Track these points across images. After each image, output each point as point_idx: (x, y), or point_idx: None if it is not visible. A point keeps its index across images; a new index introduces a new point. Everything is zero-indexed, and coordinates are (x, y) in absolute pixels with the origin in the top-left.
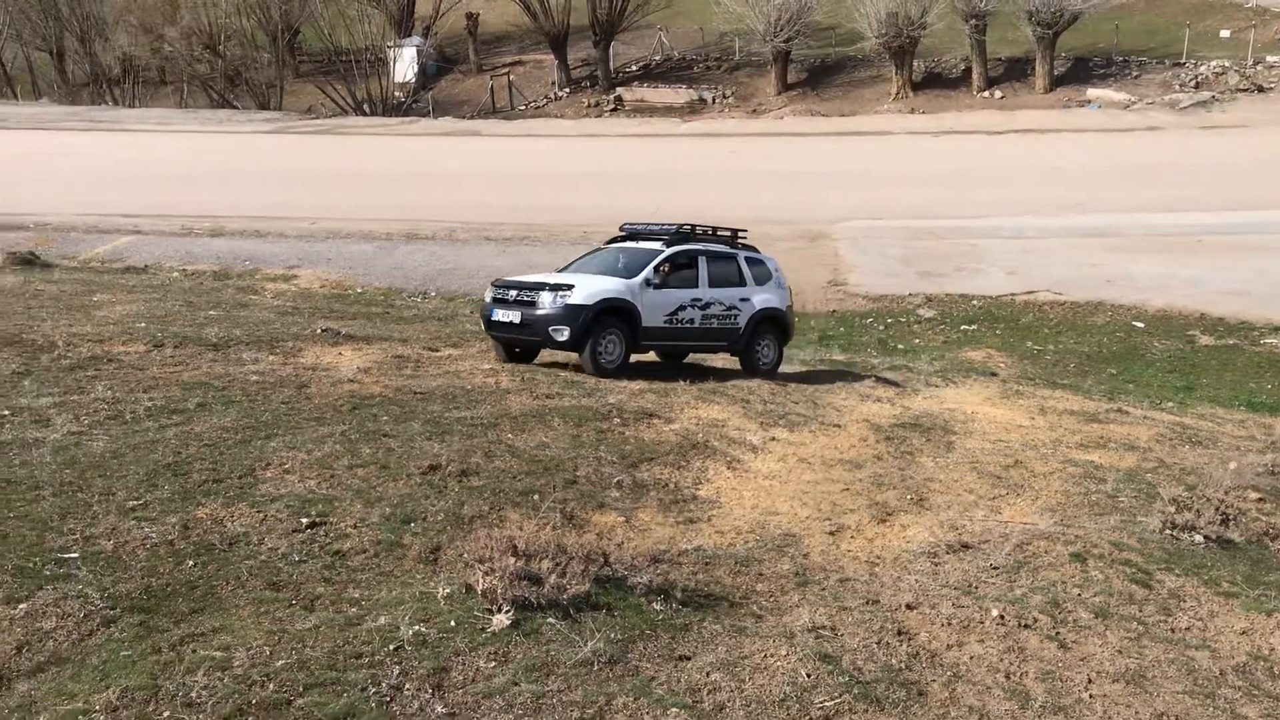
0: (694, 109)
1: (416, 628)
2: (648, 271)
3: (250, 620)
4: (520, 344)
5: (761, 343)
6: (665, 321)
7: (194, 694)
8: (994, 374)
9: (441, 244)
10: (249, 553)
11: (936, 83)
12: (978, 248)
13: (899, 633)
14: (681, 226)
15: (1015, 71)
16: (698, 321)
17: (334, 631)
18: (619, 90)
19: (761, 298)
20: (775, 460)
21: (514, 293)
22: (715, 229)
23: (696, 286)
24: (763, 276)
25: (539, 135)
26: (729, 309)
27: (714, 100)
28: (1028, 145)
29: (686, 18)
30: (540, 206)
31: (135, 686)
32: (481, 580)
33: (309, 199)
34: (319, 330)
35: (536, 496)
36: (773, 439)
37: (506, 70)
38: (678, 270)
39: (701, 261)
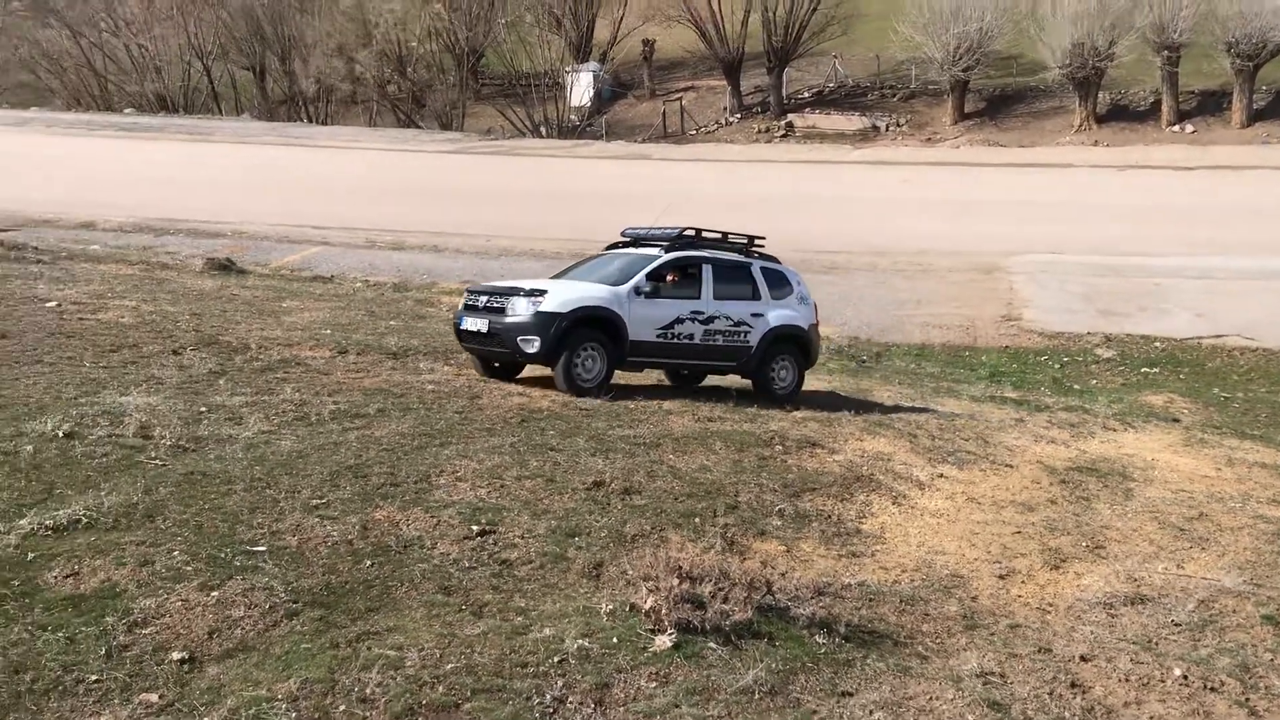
0: (866, 136)
1: (580, 642)
2: (638, 279)
3: (422, 622)
4: (491, 356)
5: (778, 364)
6: (658, 336)
7: (368, 690)
8: (1176, 420)
9: None
10: (422, 556)
11: (1122, 115)
12: (1162, 287)
13: (1072, 685)
14: (684, 230)
15: (1209, 105)
16: (698, 337)
17: (501, 639)
18: (790, 116)
19: (779, 314)
20: (943, 498)
21: (484, 298)
22: (726, 234)
23: (699, 298)
24: (782, 290)
25: (708, 160)
26: (737, 324)
27: (887, 128)
28: (1221, 182)
29: (862, 45)
30: (706, 228)
31: (314, 679)
32: (646, 599)
33: (485, 217)
34: None
35: (698, 520)
36: (940, 476)
37: (679, 95)
38: (677, 279)
39: (706, 270)
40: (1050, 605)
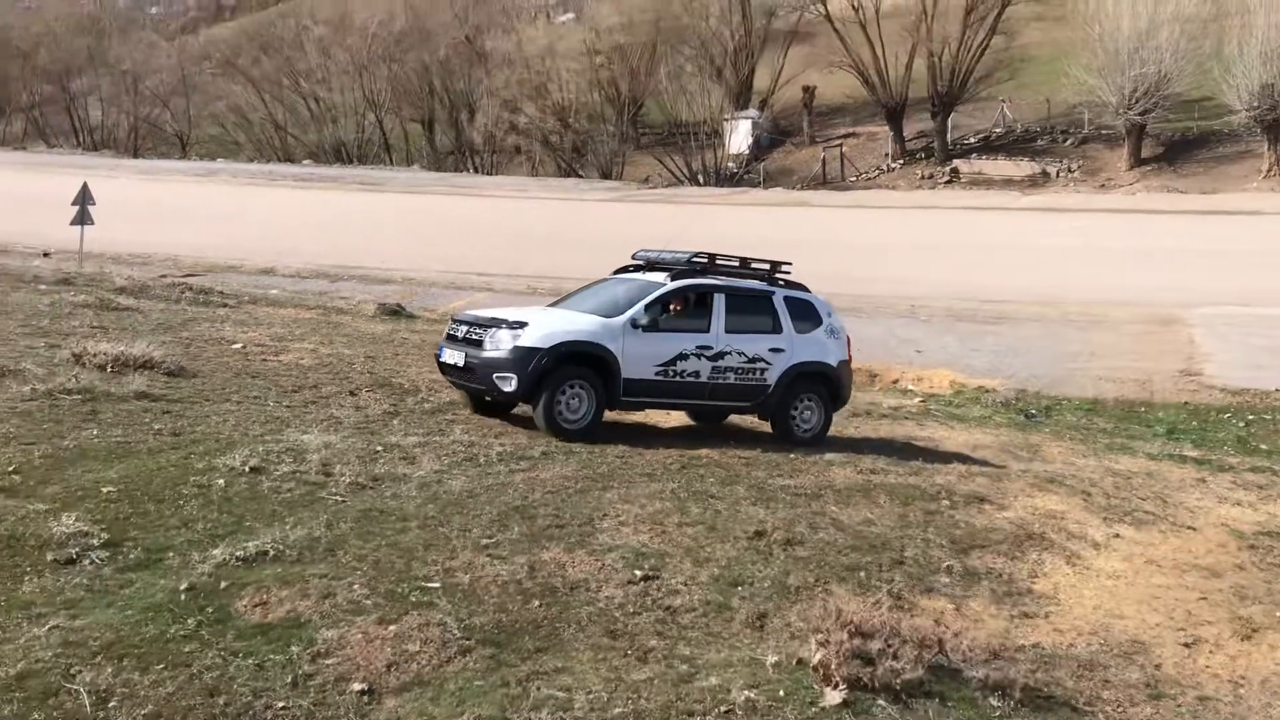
0: (1035, 183)
1: (747, 693)
2: (635, 310)
3: (589, 665)
4: (470, 391)
5: (800, 405)
6: (658, 373)
7: None
8: None
9: None
10: (588, 599)
11: None
12: None
13: None
14: (696, 255)
15: None
16: (705, 374)
17: (667, 686)
18: (955, 162)
19: (803, 349)
20: (1120, 559)
21: (464, 329)
22: (747, 260)
23: (707, 331)
24: (808, 323)
25: (869, 206)
26: (752, 361)
27: (1058, 174)
28: None
29: (1031, 89)
30: (871, 278)
31: (486, 716)
32: (815, 653)
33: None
34: None
35: (863, 574)
36: (1116, 536)
37: (839, 142)
38: (683, 309)
39: (718, 300)
40: (1243, 679)
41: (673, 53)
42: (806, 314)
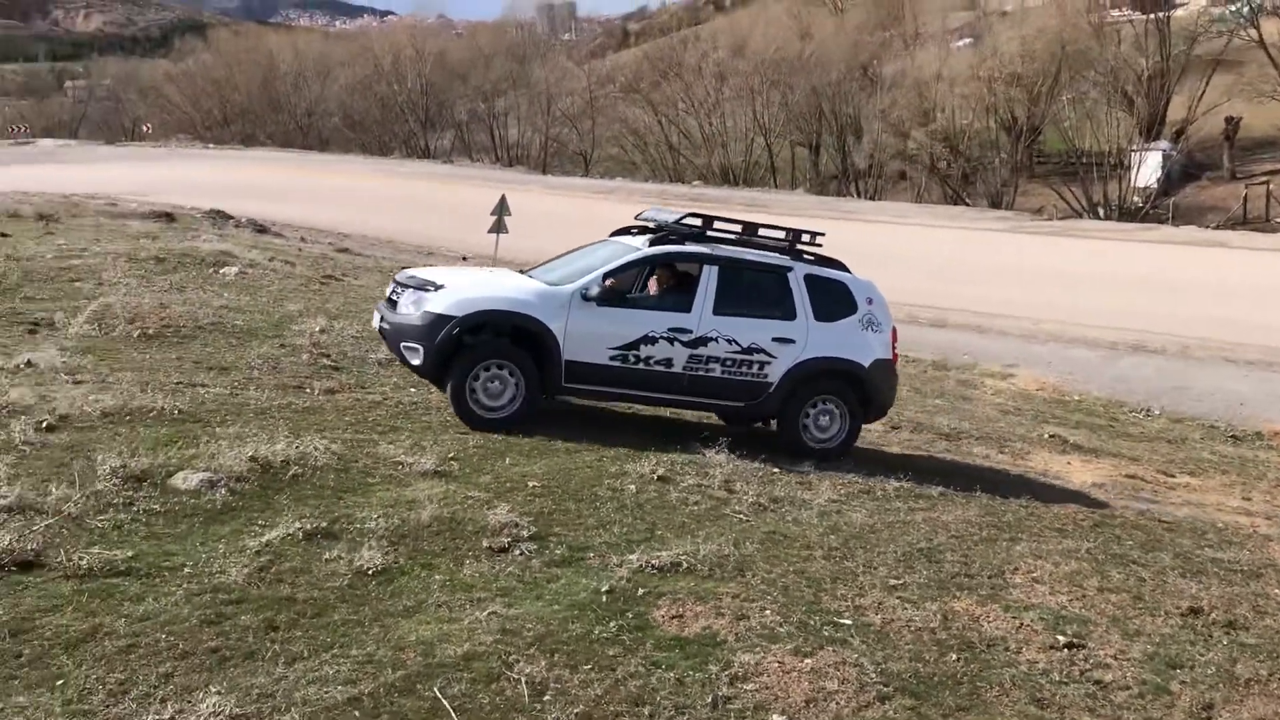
0: None
1: None
2: (588, 279)
3: None
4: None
5: (814, 409)
6: (614, 358)
7: None
8: None
9: (1172, 359)
10: (1008, 660)
11: None
12: None
13: None
14: (684, 217)
15: None
16: (679, 364)
17: None
18: None
19: (823, 341)
20: None
21: (395, 288)
22: (756, 225)
23: (687, 310)
24: (838, 309)
25: None
26: (747, 351)
27: None
28: None
29: None
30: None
31: None
32: None
33: (1033, 298)
34: (1046, 435)
35: None
36: None
37: (1265, 179)
38: (666, 282)
39: (707, 274)
40: None
41: (1076, 79)
42: (835, 298)
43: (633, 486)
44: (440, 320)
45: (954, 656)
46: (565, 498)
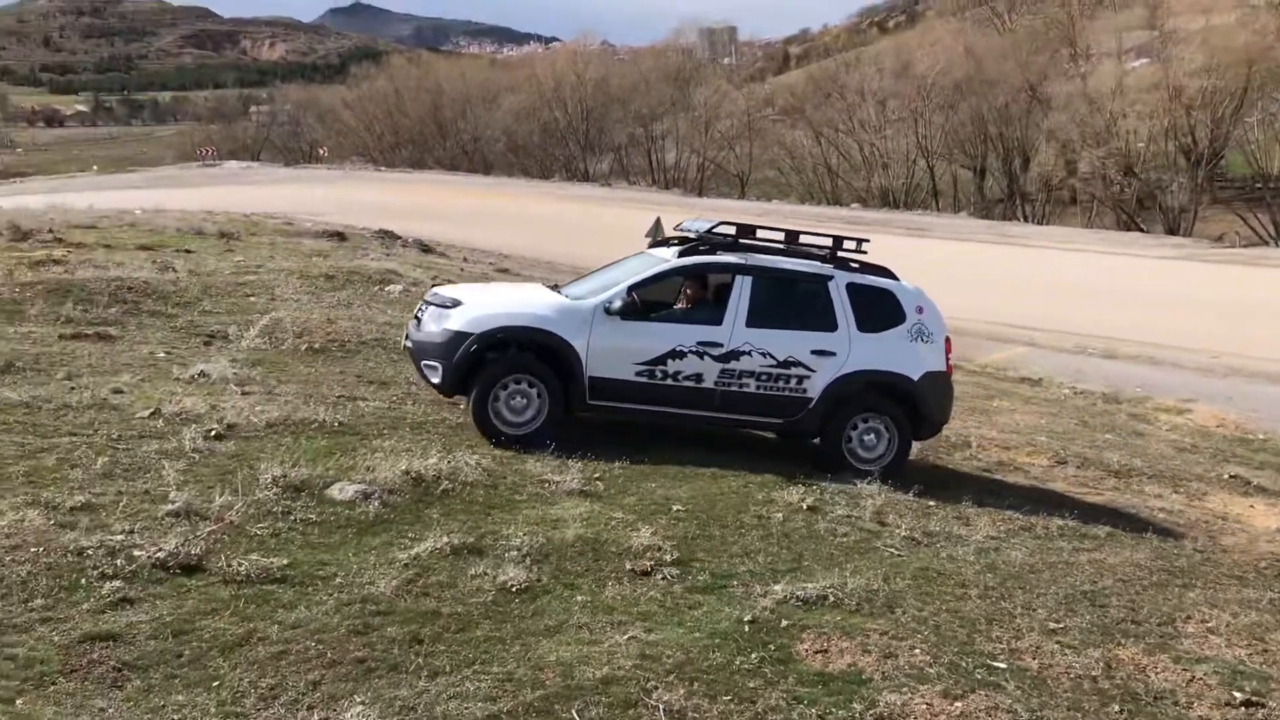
0: None
1: None
2: (611, 293)
3: None
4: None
5: (861, 426)
6: (640, 374)
7: None
8: None
9: None
10: (1176, 715)
11: None
12: None
13: None
14: (716, 226)
15: None
16: (710, 379)
17: None
18: None
19: (868, 353)
20: None
21: (423, 307)
22: (796, 234)
23: (718, 323)
24: (884, 319)
25: None
26: (784, 365)
27: None
28: None
29: None
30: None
31: None
32: None
33: (1212, 331)
34: (1226, 475)
35: None
36: None
37: None
38: (697, 295)
39: (740, 284)
40: None
41: (1265, 99)
42: (881, 308)
43: (780, 515)
44: (459, 337)
45: (1116, 708)
46: (709, 523)
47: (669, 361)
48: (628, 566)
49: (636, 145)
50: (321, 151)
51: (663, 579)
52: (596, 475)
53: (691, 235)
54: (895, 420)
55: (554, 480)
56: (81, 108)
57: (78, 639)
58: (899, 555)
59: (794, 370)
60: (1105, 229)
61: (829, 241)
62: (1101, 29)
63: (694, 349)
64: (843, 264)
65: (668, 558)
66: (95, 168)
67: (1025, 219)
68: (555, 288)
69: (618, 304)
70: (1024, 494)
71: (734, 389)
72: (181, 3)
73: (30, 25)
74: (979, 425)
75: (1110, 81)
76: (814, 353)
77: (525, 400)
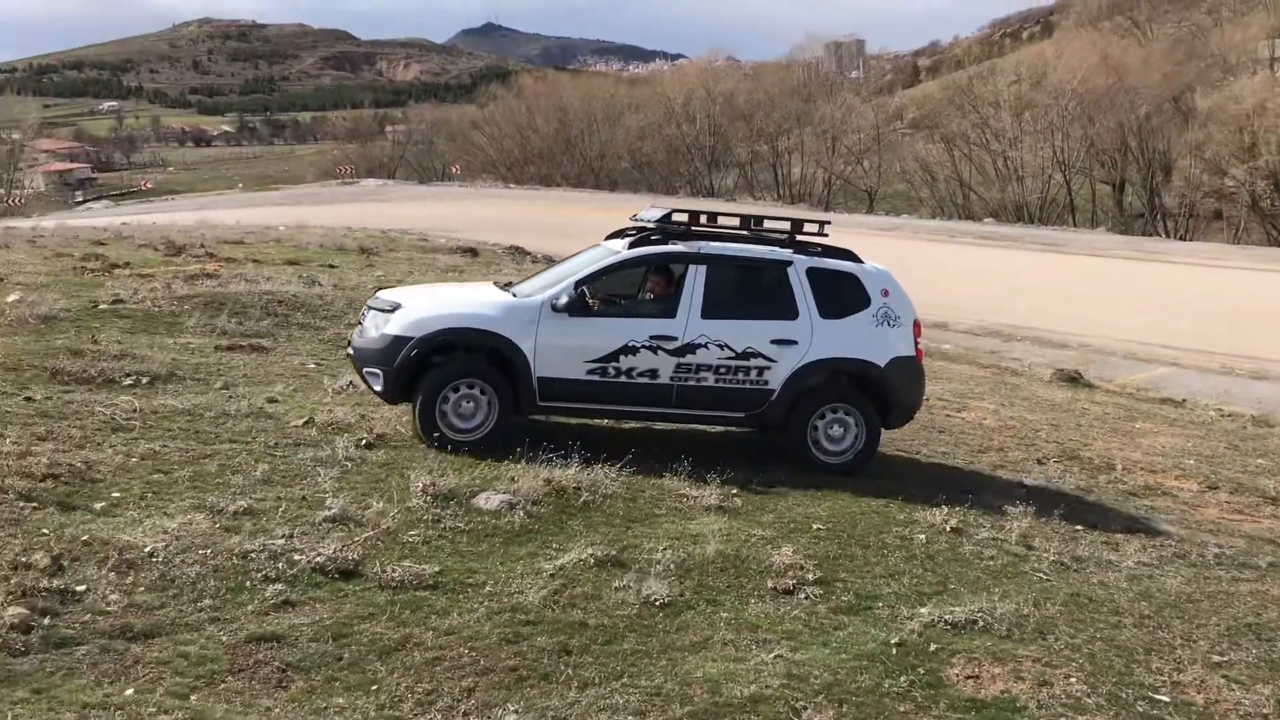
0: None
1: None
2: (557, 289)
3: None
4: None
5: (826, 417)
6: (591, 372)
7: None
8: None
9: None
10: None
11: None
12: None
13: None
14: (670, 213)
15: None
16: (665, 374)
17: None
18: None
19: (831, 340)
20: None
21: (366, 312)
22: (754, 219)
23: (671, 315)
24: (844, 305)
25: None
26: (743, 357)
27: None
28: None
29: None
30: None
31: None
32: None
33: None
34: None
35: None
36: None
37: None
38: (661, 286)
39: (693, 274)
40: None
41: None
42: (843, 292)
43: (923, 536)
44: (398, 342)
45: None
46: (851, 543)
47: (621, 358)
48: (770, 584)
49: (761, 160)
50: (453, 170)
51: (806, 598)
52: (734, 491)
53: (647, 225)
54: (863, 410)
55: (692, 495)
56: (227, 128)
57: (244, 639)
58: (1048, 580)
59: (754, 361)
60: (1254, 245)
61: (788, 226)
62: (1249, 37)
63: (647, 344)
64: (803, 248)
65: (810, 577)
66: (240, 185)
67: (1167, 235)
68: (506, 286)
69: (564, 300)
70: (1175, 519)
71: (691, 383)
72: (322, 25)
73: (181, 50)
74: (1122, 448)
75: (1260, 93)
76: (774, 342)
77: (474, 405)
